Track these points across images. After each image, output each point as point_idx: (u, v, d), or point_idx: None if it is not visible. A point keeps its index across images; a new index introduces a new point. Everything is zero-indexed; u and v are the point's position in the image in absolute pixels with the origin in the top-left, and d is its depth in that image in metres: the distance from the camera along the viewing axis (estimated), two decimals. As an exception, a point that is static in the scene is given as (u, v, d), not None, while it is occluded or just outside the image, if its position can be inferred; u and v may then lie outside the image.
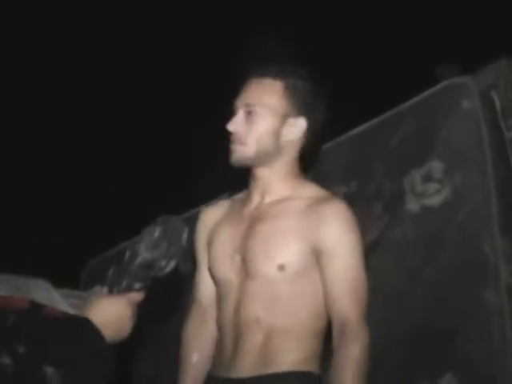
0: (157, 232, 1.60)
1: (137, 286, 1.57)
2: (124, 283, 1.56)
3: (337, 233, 1.93)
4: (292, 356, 1.92)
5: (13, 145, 4.81)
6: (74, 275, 3.89)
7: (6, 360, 1.42)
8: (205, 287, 2.18)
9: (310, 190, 2.06)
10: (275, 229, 1.98)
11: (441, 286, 2.35)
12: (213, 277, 2.13)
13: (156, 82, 4.89)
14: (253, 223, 2.04)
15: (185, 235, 1.65)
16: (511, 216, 2.30)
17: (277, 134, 2.01)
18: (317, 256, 1.93)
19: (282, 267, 1.93)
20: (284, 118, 2.01)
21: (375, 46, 4.25)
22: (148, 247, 1.58)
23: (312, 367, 1.94)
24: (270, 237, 1.97)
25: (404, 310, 2.41)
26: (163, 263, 1.58)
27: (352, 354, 1.82)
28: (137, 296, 1.57)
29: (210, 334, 2.16)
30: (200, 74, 4.68)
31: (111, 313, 1.51)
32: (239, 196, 2.25)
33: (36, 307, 1.77)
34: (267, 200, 2.06)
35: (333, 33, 4.40)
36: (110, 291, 1.57)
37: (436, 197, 2.45)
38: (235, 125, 1.98)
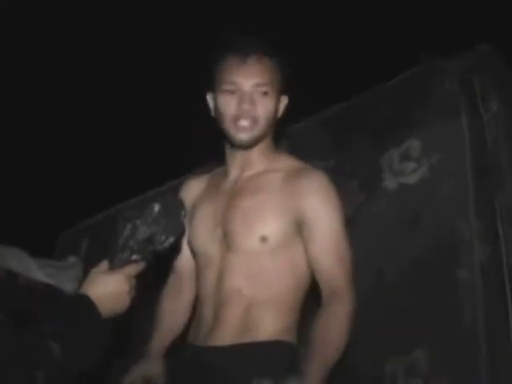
0: (156, 208, 1.62)
1: (134, 257, 1.58)
2: (123, 256, 1.57)
3: (318, 202, 1.94)
4: (271, 326, 1.94)
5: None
6: (48, 246, 3.88)
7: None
8: (184, 257, 2.22)
9: (288, 162, 2.08)
10: (256, 202, 2.00)
11: (415, 263, 2.37)
12: (192, 250, 2.15)
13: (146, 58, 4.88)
14: (233, 197, 2.05)
15: (183, 212, 1.67)
16: (487, 196, 2.32)
17: (276, 113, 2.05)
18: (299, 226, 1.95)
19: (264, 239, 1.95)
20: (279, 96, 2.04)
21: (358, 26, 4.25)
22: (147, 222, 1.60)
23: (290, 338, 1.97)
24: (251, 210, 1.99)
25: (378, 287, 2.43)
26: (162, 238, 1.60)
27: (339, 312, 1.84)
28: (135, 269, 1.58)
29: (185, 303, 2.23)
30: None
31: (109, 288, 1.53)
32: (217, 170, 2.25)
33: (12, 277, 1.77)
34: (246, 174, 2.08)
35: (315, 11, 4.39)
36: (110, 264, 1.58)
37: (413, 175, 2.47)
38: (251, 105, 1.97)
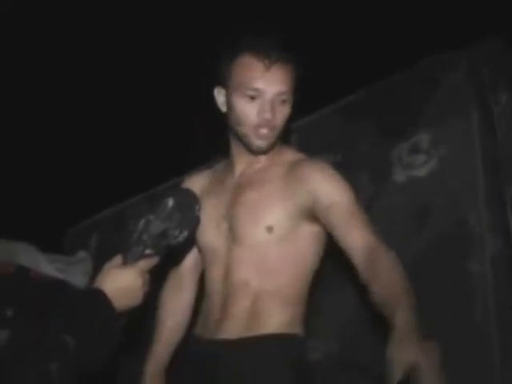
0: (170, 203, 1.62)
1: (148, 251, 1.58)
2: (137, 251, 1.57)
3: (325, 180, 1.93)
4: (277, 319, 1.95)
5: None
6: (56, 242, 3.89)
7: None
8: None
9: (291, 155, 2.08)
10: (260, 194, 2.00)
11: (426, 256, 2.37)
12: (198, 245, 2.16)
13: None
14: (238, 191, 2.06)
15: (197, 206, 1.67)
16: (497, 188, 2.32)
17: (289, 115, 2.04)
18: (313, 212, 1.93)
19: (269, 229, 1.95)
20: (293, 99, 2.03)
21: (366, 18, 4.24)
22: (161, 217, 1.60)
23: (296, 330, 1.97)
24: (256, 202, 1.99)
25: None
26: (176, 232, 1.61)
27: (390, 262, 1.75)
28: (148, 263, 1.59)
29: (186, 301, 2.27)
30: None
31: (123, 282, 1.54)
32: (219, 165, 2.25)
33: (22, 271, 1.77)
34: (251, 169, 2.08)
35: (321, 4, 4.38)
36: (124, 259, 1.58)
37: (423, 168, 2.46)
38: (272, 113, 1.95)
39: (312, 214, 1.95)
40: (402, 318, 1.59)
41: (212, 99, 2.08)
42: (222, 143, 2.17)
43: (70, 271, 3.04)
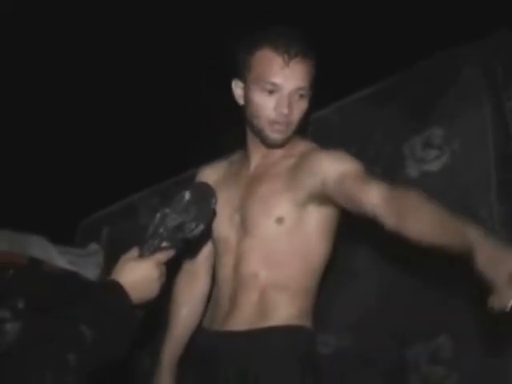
0: (187, 196, 1.63)
1: (164, 244, 1.59)
2: (153, 243, 1.58)
3: (334, 161, 1.91)
4: (286, 311, 1.95)
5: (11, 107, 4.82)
6: (68, 234, 3.91)
7: (6, 314, 1.44)
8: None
9: (303, 146, 2.08)
10: (272, 186, 2.00)
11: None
12: (211, 236, 2.16)
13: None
14: (251, 184, 2.07)
15: (213, 200, 1.68)
16: (508, 183, 2.31)
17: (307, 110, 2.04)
18: (322, 193, 1.91)
19: (280, 220, 1.96)
20: (311, 94, 2.02)
21: (379, 10, 4.22)
22: (177, 210, 1.61)
23: (305, 322, 1.97)
24: (267, 194, 2.00)
25: (399, 273, 2.43)
26: (192, 225, 1.61)
27: (418, 196, 1.71)
28: (165, 256, 1.59)
29: (200, 290, 2.26)
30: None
31: (139, 275, 1.54)
32: (234, 157, 2.26)
33: (35, 263, 1.78)
34: (266, 162, 2.09)
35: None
36: (140, 251, 1.59)
37: (436, 162, 2.46)
38: (289, 109, 1.95)
39: (320, 196, 1.93)
40: (474, 233, 1.53)
41: (219, 95, 2.08)
42: (225, 141, 2.18)
43: (82, 263, 3.06)
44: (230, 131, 2.19)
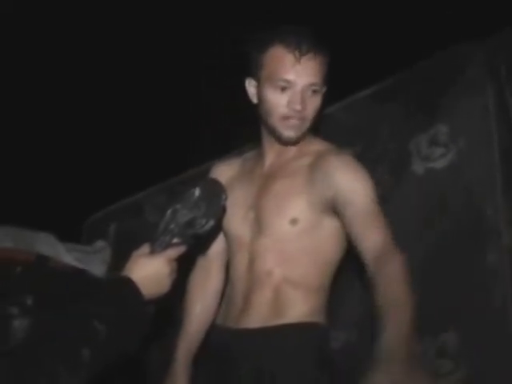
0: (197, 192, 1.64)
1: (175, 240, 1.60)
2: (164, 240, 1.59)
3: (348, 176, 1.94)
4: (300, 308, 1.96)
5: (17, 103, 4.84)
6: (74, 231, 3.92)
7: (14, 310, 1.45)
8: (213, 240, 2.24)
9: (318, 145, 2.10)
10: (287, 185, 2.01)
11: (443, 248, 2.37)
12: (225, 233, 2.18)
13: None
14: (266, 182, 2.08)
15: (224, 196, 1.69)
16: (512, 178, 2.32)
17: (320, 106, 2.05)
18: (331, 205, 1.95)
19: (294, 221, 1.97)
20: (324, 90, 2.04)
21: (384, 9, 4.22)
22: (188, 206, 1.62)
23: (319, 319, 1.99)
24: (282, 193, 2.01)
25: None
26: (203, 221, 1.62)
27: (398, 270, 1.76)
28: (176, 252, 1.60)
29: (214, 286, 2.26)
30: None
31: (150, 271, 1.55)
32: (248, 154, 2.26)
33: (42, 260, 1.80)
34: (280, 159, 2.10)
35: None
36: (151, 247, 1.60)
37: (441, 160, 2.46)
38: (302, 105, 1.96)
39: (332, 208, 1.96)
40: (387, 338, 1.59)
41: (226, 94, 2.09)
42: (231, 139, 2.18)
43: (89, 260, 3.07)
44: (230, 131, 2.20)
